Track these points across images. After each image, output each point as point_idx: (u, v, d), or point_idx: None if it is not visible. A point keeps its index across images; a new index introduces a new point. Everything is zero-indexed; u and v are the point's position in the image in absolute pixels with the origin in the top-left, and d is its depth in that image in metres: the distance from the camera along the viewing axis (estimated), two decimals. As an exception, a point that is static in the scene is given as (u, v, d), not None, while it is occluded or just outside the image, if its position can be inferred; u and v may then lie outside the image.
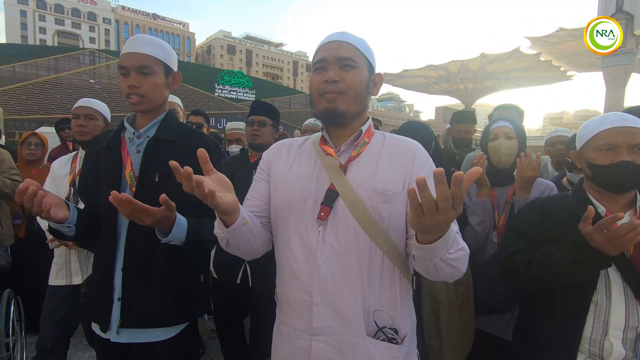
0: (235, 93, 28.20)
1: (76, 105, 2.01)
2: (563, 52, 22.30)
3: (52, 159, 3.05)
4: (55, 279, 1.98)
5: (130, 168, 1.27)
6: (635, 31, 11.32)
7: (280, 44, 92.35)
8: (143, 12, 75.09)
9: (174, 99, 2.67)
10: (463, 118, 2.98)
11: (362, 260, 0.93)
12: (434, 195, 0.64)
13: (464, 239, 0.86)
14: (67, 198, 1.91)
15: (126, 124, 1.34)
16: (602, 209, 1.15)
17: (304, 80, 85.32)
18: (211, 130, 3.70)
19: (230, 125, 3.48)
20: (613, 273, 1.07)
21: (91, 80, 23.76)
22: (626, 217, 1.10)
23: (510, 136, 1.67)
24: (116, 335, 1.25)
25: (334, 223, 0.94)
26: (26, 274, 2.87)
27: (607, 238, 0.93)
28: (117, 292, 1.26)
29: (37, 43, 54.31)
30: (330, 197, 0.95)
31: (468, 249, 0.84)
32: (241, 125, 3.27)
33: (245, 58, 79.41)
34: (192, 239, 1.19)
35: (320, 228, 0.95)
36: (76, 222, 1.17)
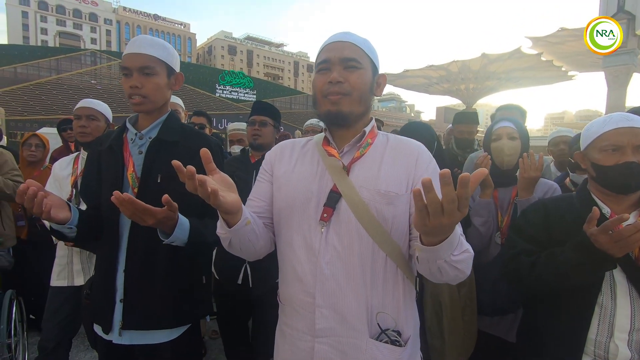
0: (236, 93, 28.24)
1: (78, 105, 2.00)
2: (564, 52, 22.27)
3: (53, 159, 3.06)
4: (57, 279, 1.98)
5: (132, 169, 1.27)
6: (637, 31, 11.30)
7: (281, 45, 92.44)
8: (144, 12, 75.28)
9: (175, 99, 2.67)
10: (465, 119, 2.97)
11: (365, 261, 0.92)
12: (440, 196, 0.63)
13: (467, 239, 0.86)
14: (69, 199, 1.91)
15: (128, 125, 1.34)
16: (606, 209, 1.14)
17: (304, 81, 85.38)
18: (213, 131, 3.70)
19: (232, 125, 3.49)
20: (618, 274, 1.07)
21: (92, 81, 23.82)
22: (631, 218, 1.09)
23: (513, 137, 1.66)
24: (118, 336, 1.25)
25: (337, 224, 0.94)
26: (29, 275, 2.88)
27: (613, 240, 0.92)
28: (119, 294, 1.25)
29: (39, 44, 54.49)
30: (333, 199, 0.95)
31: (472, 251, 0.84)
32: (243, 125, 3.27)
33: (246, 58, 79.49)
34: (195, 240, 1.19)
35: (323, 229, 0.94)
36: (77, 223, 1.16)
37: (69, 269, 1.98)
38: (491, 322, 1.65)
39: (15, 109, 19.69)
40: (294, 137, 1.87)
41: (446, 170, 0.60)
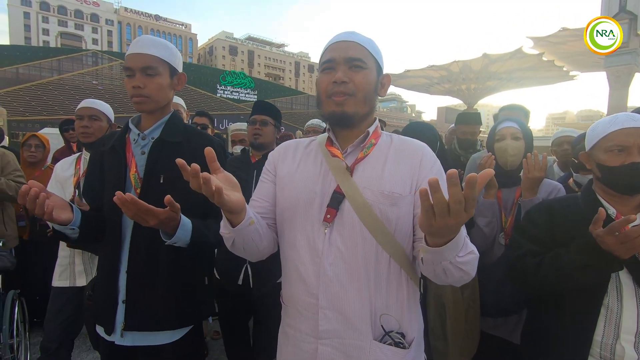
0: (237, 94, 28.28)
1: (80, 106, 2.00)
2: (566, 52, 22.25)
3: (55, 160, 3.06)
4: (59, 279, 1.98)
5: (135, 169, 1.27)
6: (639, 31, 11.27)
7: (282, 45, 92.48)
8: (145, 13, 75.41)
9: (177, 100, 2.67)
10: (468, 119, 2.95)
11: (368, 263, 0.92)
12: (446, 196, 0.63)
13: (470, 240, 0.85)
14: (72, 200, 1.91)
15: (131, 126, 1.33)
16: (612, 210, 1.13)
17: (305, 81, 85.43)
18: (215, 131, 3.70)
19: (234, 126, 3.49)
20: (624, 276, 1.06)
21: (94, 82, 23.89)
22: (638, 220, 1.08)
23: (517, 137, 1.65)
24: (120, 338, 1.24)
25: (340, 225, 0.93)
26: (30, 275, 2.88)
27: (619, 241, 0.92)
28: (122, 295, 1.25)
29: (40, 44, 54.62)
30: (337, 199, 0.94)
31: (477, 253, 0.83)
32: (245, 126, 3.27)
33: (247, 59, 79.55)
34: (197, 241, 1.18)
35: (326, 230, 0.94)
36: (80, 224, 1.16)
37: (71, 269, 1.98)
38: (495, 323, 1.64)
39: (17, 109, 19.75)
40: (295, 138, 1.87)
41: (454, 170, 0.60)
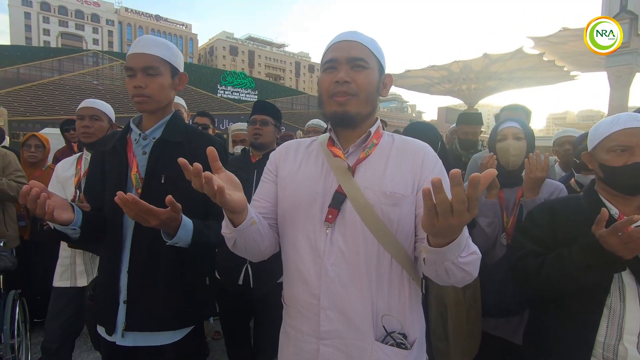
0: (238, 94, 28.32)
1: (81, 106, 2.00)
2: (566, 52, 22.21)
3: (56, 160, 3.06)
4: (60, 280, 1.98)
5: (136, 169, 1.26)
6: (640, 31, 11.25)
7: (283, 45, 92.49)
8: (146, 13, 75.48)
9: (178, 100, 2.67)
10: (470, 119, 2.94)
11: (370, 263, 0.92)
12: (449, 196, 0.63)
13: (472, 240, 0.85)
14: (73, 200, 1.91)
15: (132, 125, 1.33)
16: (614, 211, 1.13)
17: (306, 81, 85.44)
18: (216, 131, 3.70)
19: (235, 126, 3.49)
20: (627, 277, 1.05)
21: (94, 82, 23.93)
22: None
23: (519, 137, 1.65)
24: (121, 338, 1.24)
25: (342, 226, 0.93)
26: (31, 274, 2.88)
27: (622, 241, 0.91)
28: (123, 295, 1.25)
29: (41, 45, 54.70)
30: (338, 200, 0.94)
31: (480, 253, 0.83)
32: (246, 126, 3.26)
33: (247, 59, 79.57)
34: (198, 241, 1.18)
35: (328, 230, 0.94)
36: (81, 224, 1.16)
37: (72, 269, 1.98)
38: (496, 323, 1.64)
39: (17, 109, 19.78)
40: (296, 138, 1.87)
41: (457, 170, 0.60)
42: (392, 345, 0.91)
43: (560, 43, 21.48)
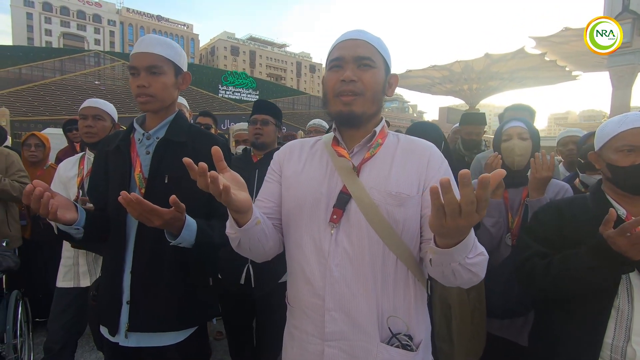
0: (239, 94, 28.37)
1: (83, 105, 1.99)
2: (568, 52, 22.18)
3: (59, 160, 3.06)
4: (63, 280, 1.97)
5: (139, 169, 1.26)
6: (642, 30, 11.21)
7: (284, 45, 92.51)
8: (147, 13, 75.56)
9: (180, 100, 2.66)
10: (473, 120, 2.93)
11: (375, 264, 0.91)
12: (458, 197, 0.62)
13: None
14: (76, 200, 1.90)
15: (136, 125, 1.32)
16: (622, 211, 1.12)
17: (307, 81, 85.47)
18: (218, 131, 3.70)
19: (237, 126, 3.49)
20: (635, 278, 1.04)
21: (96, 82, 24.00)
22: None
23: (524, 137, 1.64)
24: (125, 339, 1.24)
25: (347, 226, 0.92)
26: (32, 274, 2.88)
27: (631, 242, 0.90)
28: (126, 295, 1.24)
29: (43, 45, 54.82)
30: (343, 200, 0.93)
31: (487, 254, 0.82)
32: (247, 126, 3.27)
33: (248, 59, 79.60)
34: (202, 241, 1.17)
35: (332, 231, 0.93)
36: (84, 224, 1.15)
37: (75, 270, 1.97)
38: (501, 324, 1.63)
39: (19, 109, 19.84)
40: (298, 138, 1.86)
41: (466, 170, 0.59)
42: (397, 346, 0.90)
43: (562, 43, 21.46)
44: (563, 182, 1.69)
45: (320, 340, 0.92)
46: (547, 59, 24.97)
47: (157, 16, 76.11)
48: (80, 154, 2.12)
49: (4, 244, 2.38)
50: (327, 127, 3.40)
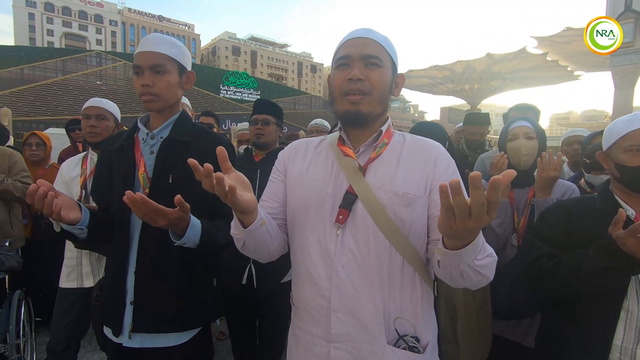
0: (240, 94, 28.42)
1: (86, 105, 1.98)
2: (570, 51, 22.12)
3: (61, 160, 3.06)
4: (66, 281, 1.97)
5: (143, 169, 1.25)
6: (645, 30, 11.17)
7: (285, 45, 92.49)
8: (149, 14, 75.70)
9: (183, 99, 2.65)
10: (477, 120, 2.91)
11: (382, 265, 0.90)
12: (467, 198, 0.61)
13: None
14: (79, 200, 1.90)
15: (140, 125, 1.32)
16: (631, 211, 1.10)
17: (308, 81, 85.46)
18: (220, 131, 3.70)
19: (240, 126, 3.49)
20: None
21: (98, 82, 24.07)
22: None
23: (531, 136, 1.63)
24: (128, 339, 1.23)
25: (353, 227, 0.91)
26: (32, 273, 2.87)
27: None
28: (130, 296, 1.24)
29: (45, 45, 55.00)
30: (349, 200, 0.92)
31: (496, 255, 0.81)
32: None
33: (250, 59, 79.60)
34: (206, 242, 1.16)
35: (338, 232, 0.92)
36: (88, 223, 1.14)
37: (78, 270, 1.97)
38: (507, 326, 1.61)
39: (21, 109, 19.91)
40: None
41: (477, 172, 0.58)
42: (404, 348, 0.89)
43: (563, 43, 21.41)
44: (570, 183, 1.67)
45: (326, 342, 0.91)
46: (548, 58, 24.92)
47: (159, 16, 76.25)
48: (83, 153, 2.12)
49: (7, 244, 2.38)
50: (329, 127, 3.39)
